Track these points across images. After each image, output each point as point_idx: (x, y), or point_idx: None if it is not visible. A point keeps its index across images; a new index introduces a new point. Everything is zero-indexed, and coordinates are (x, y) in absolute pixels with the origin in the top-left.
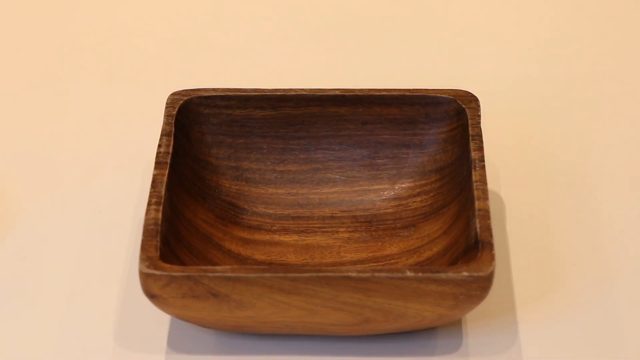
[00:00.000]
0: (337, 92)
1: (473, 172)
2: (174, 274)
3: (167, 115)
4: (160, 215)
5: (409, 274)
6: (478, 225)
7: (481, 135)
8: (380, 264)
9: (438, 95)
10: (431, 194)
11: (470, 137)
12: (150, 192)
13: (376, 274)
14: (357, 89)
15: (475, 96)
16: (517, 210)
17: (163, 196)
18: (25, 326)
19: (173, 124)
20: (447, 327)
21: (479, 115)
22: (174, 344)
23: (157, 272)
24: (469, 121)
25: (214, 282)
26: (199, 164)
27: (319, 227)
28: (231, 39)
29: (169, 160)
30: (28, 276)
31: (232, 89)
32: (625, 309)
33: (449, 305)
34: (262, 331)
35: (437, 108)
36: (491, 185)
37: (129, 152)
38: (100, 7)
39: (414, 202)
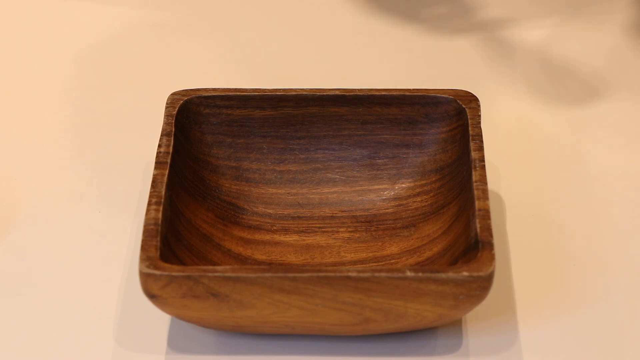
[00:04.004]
0: (337, 92)
1: (473, 172)
2: (174, 274)
3: (167, 115)
4: (160, 215)
5: (409, 274)
6: (478, 225)
7: (481, 135)
8: (380, 264)
9: (438, 95)
10: (431, 194)
11: (470, 137)
12: (150, 192)
13: (376, 274)
14: (357, 89)
15: (475, 96)
16: (517, 210)
17: (163, 196)
18: (25, 326)
19: (173, 124)
20: (447, 327)
21: (479, 115)
22: (174, 344)
23: (157, 272)
24: (469, 121)
25: (214, 282)
26: (199, 164)
27: (319, 227)
28: (231, 38)
29: (169, 160)
30: (28, 276)
31: (232, 89)
32: (625, 309)
33: (449, 305)
34: (262, 331)
35: (437, 108)
36: (491, 185)
37: (129, 152)
38: (101, 6)
39: (414, 202)
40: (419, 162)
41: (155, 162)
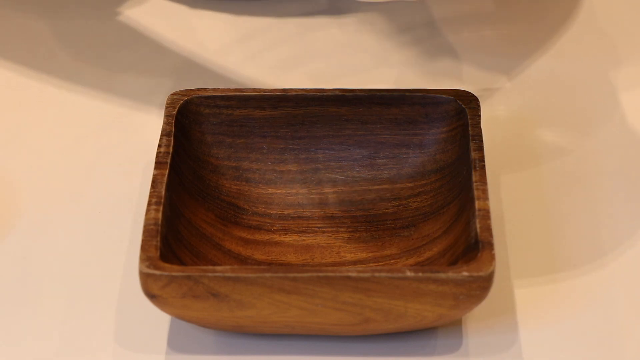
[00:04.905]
0: (337, 92)
1: (473, 172)
2: (174, 274)
3: (167, 115)
4: (160, 215)
5: (409, 274)
6: (478, 225)
7: (481, 135)
8: (380, 264)
9: (438, 95)
10: (431, 194)
11: (470, 137)
12: (150, 192)
13: (376, 274)
14: (357, 89)
15: (475, 96)
16: (517, 210)
17: (163, 196)
18: (25, 326)
19: (173, 124)
20: (447, 327)
21: (479, 115)
22: (174, 344)
23: (157, 272)
24: (469, 121)
25: (214, 282)
26: (199, 164)
27: (319, 227)
28: (231, 38)
29: (169, 160)
30: (28, 276)
31: (232, 89)
32: (625, 309)
33: (449, 305)
34: (262, 331)
35: (437, 108)
36: (491, 185)
37: (129, 152)
38: (101, 6)
39: (414, 202)
40: (419, 162)
41: (155, 162)
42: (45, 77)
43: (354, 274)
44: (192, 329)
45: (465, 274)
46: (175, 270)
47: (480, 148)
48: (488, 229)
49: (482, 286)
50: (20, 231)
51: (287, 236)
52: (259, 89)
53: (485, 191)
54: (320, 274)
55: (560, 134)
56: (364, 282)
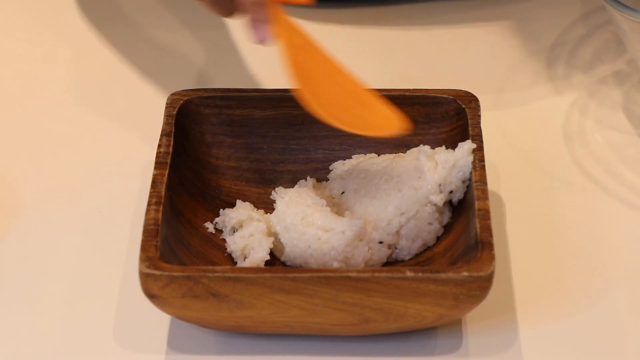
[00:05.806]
0: None
1: (473, 172)
2: (174, 274)
3: (167, 115)
4: (160, 215)
5: (409, 274)
6: (478, 225)
7: (481, 135)
8: None
9: (438, 95)
10: None
11: (470, 137)
12: (150, 192)
13: (376, 274)
14: None
15: (475, 96)
16: (517, 210)
17: (163, 196)
18: (25, 326)
19: (173, 124)
20: (447, 327)
21: (479, 115)
22: (174, 344)
23: (157, 272)
24: (469, 121)
25: (214, 282)
26: (199, 164)
27: None
28: (231, 38)
29: (169, 160)
30: (28, 276)
31: (232, 89)
32: (625, 309)
33: (449, 305)
34: (262, 331)
35: (437, 108)
36: (491, 185)
37: (129, 152)
38: (102, 6)
39: None
40: None
41: (155, 162)
42: (46, 77)
43: (354, 274)
44: (192, 329)
45: (465, 274)
46: (175, 270)
47: (480, 148)
48: (488, 229)
49: (482, 286)
50: (20, 231)
51: None
52: (259, 89)
53: (485, 191)
54: (320, 274)
55: (560, 133)
56: (364, 282)
